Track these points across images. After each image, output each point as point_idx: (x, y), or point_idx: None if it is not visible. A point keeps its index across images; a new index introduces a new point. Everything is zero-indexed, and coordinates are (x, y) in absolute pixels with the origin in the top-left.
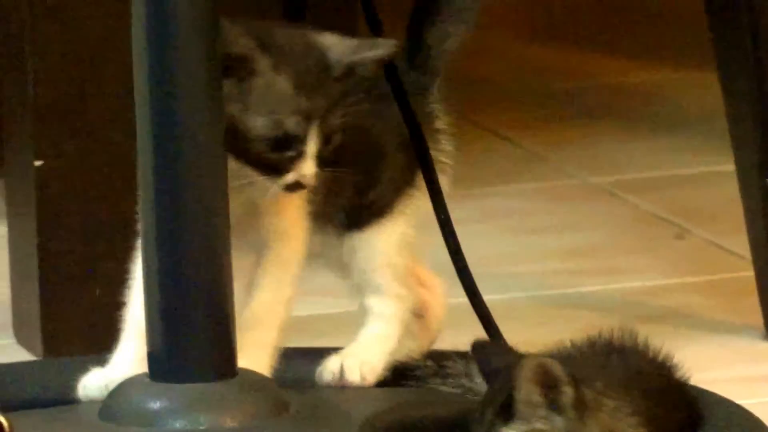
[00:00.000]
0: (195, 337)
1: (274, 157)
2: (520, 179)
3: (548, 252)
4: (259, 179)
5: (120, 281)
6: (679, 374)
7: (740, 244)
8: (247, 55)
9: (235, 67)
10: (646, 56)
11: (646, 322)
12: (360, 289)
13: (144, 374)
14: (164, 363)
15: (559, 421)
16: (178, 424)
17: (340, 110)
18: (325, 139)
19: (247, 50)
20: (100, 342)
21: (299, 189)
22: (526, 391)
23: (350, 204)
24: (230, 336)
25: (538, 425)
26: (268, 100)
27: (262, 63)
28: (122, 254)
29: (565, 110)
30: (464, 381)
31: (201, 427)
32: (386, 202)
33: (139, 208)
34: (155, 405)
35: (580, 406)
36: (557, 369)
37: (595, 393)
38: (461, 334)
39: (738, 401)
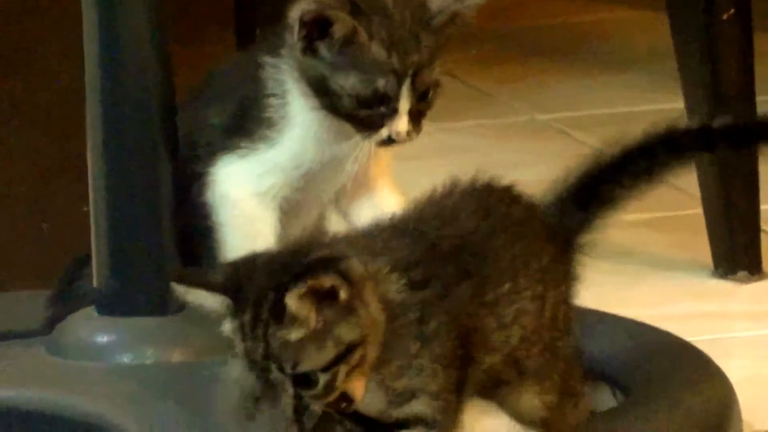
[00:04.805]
0: (141, 271)
1: (366, 114)
2: (467, 116)
3: None
4: (356, 136)
5: (67, 218)
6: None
7: (690, 182)
8: (348, 33)
9: (330, 33)
10: None
11: (595, 258)
12: None
13: (91, 308)
14: (111, 297)
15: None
16: (125, 358)
17: (437, 63)
18: (420, 95)
19: (348, 29)
20: (47, 276)
21: (392, 144)
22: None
23: None
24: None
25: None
26: (359, 63)
27: (361, 35)
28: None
29: (515, 49)
30: None
31: (148, 361)
32: None
33: (87, 148)
34: (103, 339)
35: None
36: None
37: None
38: None
39: (686, 338)
